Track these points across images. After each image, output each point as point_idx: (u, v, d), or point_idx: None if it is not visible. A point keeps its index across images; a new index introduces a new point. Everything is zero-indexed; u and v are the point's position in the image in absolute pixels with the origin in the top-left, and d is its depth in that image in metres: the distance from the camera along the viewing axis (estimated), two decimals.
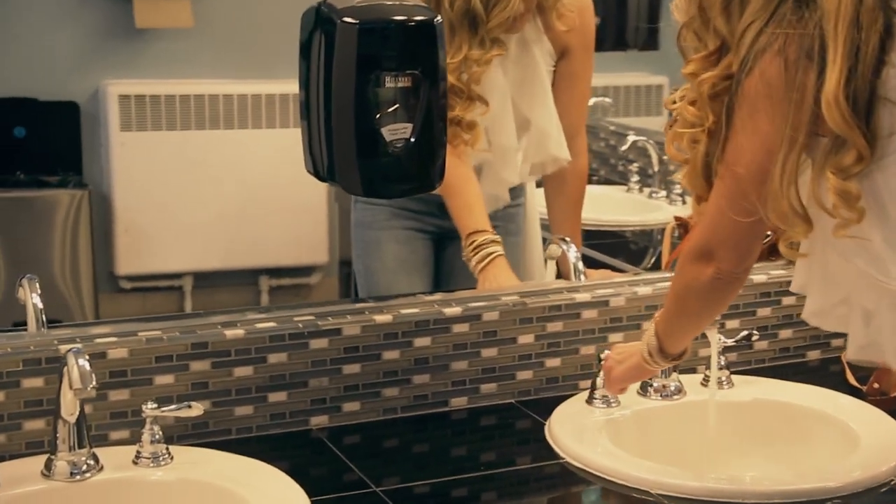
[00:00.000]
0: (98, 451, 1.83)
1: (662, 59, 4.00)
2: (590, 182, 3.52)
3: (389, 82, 1.88)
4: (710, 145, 1.66)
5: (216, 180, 3.99)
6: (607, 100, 3.86)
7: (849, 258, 1.62)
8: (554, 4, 2.47)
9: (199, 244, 4.03)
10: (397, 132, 1.92)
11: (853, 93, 1.51)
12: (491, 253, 2.34)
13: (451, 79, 2.29)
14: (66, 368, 1.74)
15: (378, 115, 1.89)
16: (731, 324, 2.34)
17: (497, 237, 2.38)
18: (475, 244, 2.35)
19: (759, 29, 1.57)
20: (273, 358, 2.03)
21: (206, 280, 4.06)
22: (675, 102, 1.73)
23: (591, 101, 3.82)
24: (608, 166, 3.57)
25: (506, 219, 2.60)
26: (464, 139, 2.40)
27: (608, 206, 3.14)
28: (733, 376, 2.21)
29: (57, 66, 3.89)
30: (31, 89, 3.85)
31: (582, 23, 2.53)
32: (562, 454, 1.98)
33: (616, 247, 3.00)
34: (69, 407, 1.77)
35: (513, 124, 2.49)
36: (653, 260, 3.04)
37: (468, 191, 2.41)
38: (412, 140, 1.92)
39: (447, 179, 1.99)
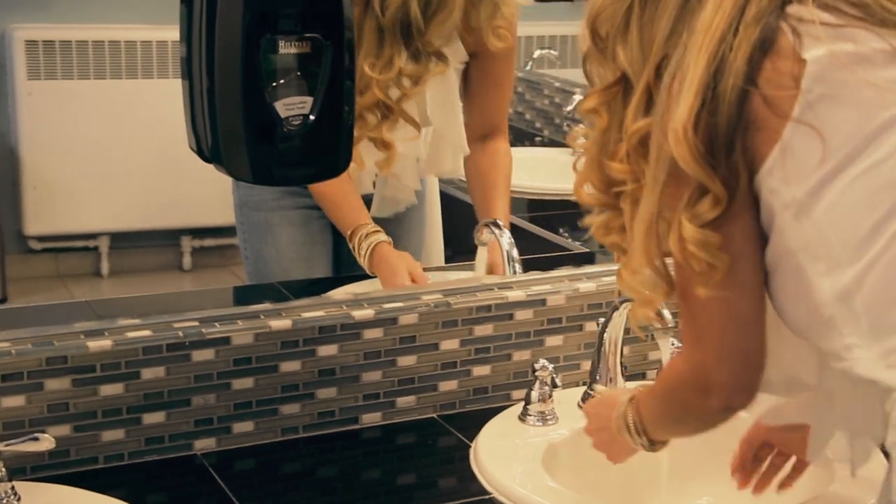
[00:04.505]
0: None
1: None
2: (532, 143, 3.22)
3: (284, 47, 1.59)
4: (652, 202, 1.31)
5: (133, 133, 3.72)
6: (553, 52, 3.52)
7: None
8: (488, 24, 2.10)
9: (115, 202, 3.78)
10: (294, 107, 1.64)
11: (708, 125, 1.21)
12: (371, 243, 2.07)
13: (378, 95, 2.01)
14: None
15: (271, 87, 1.60)
16: None
17: (377, 227, 2.10)
18: (359, 239, 2.08)
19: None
20: (148, 373, 1.73)
21: (123, 241, 3.77)
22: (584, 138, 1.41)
23: (536, 53, 3.52)
24: (552, 126, 3.23)
25: (410, 213, 2.30)
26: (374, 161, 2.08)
27: (551, 172, 2.82)
28: None
29: None
30: None
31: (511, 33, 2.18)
32: (487, 487, 1.70)
33: (560, 219, 2.66)
34: None
35: (420, 136, 2.16)
36: None
37: (337, 188, 2.09)
38: (312, 117, 1.63)
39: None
